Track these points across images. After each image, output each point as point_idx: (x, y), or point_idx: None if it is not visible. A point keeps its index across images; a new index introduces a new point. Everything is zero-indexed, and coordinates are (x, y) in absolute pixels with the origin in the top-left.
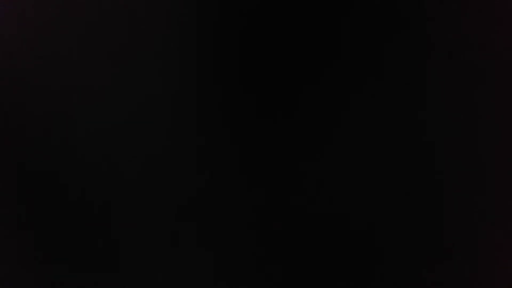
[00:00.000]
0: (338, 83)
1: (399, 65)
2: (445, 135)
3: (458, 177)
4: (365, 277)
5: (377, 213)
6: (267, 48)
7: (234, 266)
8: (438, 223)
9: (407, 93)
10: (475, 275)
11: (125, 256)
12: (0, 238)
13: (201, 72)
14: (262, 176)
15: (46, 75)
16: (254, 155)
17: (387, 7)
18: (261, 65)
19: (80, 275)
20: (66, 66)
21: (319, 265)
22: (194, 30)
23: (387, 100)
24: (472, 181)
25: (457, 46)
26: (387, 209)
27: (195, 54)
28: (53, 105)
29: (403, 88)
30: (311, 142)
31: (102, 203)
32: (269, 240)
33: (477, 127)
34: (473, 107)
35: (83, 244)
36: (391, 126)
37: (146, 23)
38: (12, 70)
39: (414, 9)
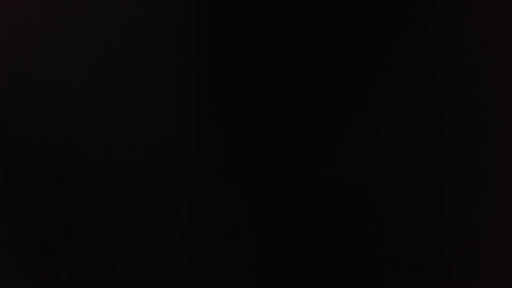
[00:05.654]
0: (340, 82)
1: (400, 65)
2: (446, 135)
3: (458, 177)
4: (365, 277)
5: (377, 213)
6: (270, 45)
7: (233, 265)
8: (439, 223)
9: (408, 92)
10: (475, 275)
11: (123, 252)
12: (0, 234)
13: (202, 69)
14: (262, 175)
15: (47, 74)
16: (254, 154)
17: (387, 7)
18: (263, 64)
19: (80, 268)
20: (66, 65)
21: (317, 264)
22: (195, 29)
23: (388, 101)
24: (473, 181)
25: (457, 46)
26: (387, 210)
27: (196, 52)
28: (54, 103)
29: (404, 88)
30: (312, 141)
31: (101, 198)
32: (267, 239)
33: (478, 127)
34: (474, 106)
35: (82, 238)
36: (392, 127)
37: (146, 21)
38: (12, 70)
39: (415, 10)
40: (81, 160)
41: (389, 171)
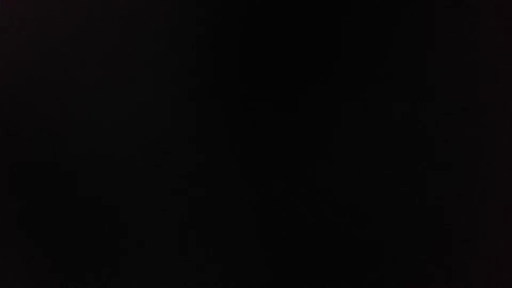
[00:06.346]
0: (340, 82)
1: (401, 64)
2: (446, 135)
3: (459, 177)
4: (364, 278)
5: (377, 213)
6: (272, 45)
7: (234, 264)
8: (439, 224)
9: (409, 93)
10: (474, 275)
11: (124, 253)
12: (1, 234)
13: (203, 69)
14: (263, 174)
15: (47, 74)
16: (256, 153)
17: (389, 7)
18: (265, 63)
19: (82, 269)
20: (66, 65)
21: (318, 264)
22: (197, 28)
23: (389, 102)
24: (472, 181)
25: (458, 47)
26: (387, 210)
27: (198, 50)
28: (54, 103)
29: (404, 89)
30: (312, 142)
31: (103, 198)
32: (269, 238)
33: (478, 127)
34: (474, 106)
35: (83, 239)
36: (392, 127)
37: (147, 20)
38: (12, 70)
39: (416, 10)
40: (83, 160)
41: (390, 171)
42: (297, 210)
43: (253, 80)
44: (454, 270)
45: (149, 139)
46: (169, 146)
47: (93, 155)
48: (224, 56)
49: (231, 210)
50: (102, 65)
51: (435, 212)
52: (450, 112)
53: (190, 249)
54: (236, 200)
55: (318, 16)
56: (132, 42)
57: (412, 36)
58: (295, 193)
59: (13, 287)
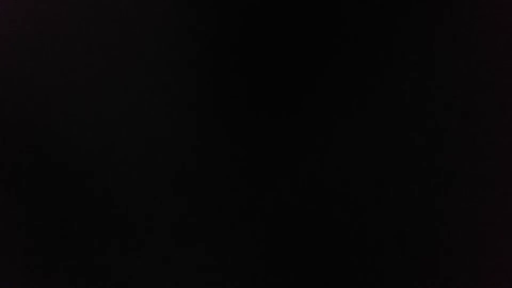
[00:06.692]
0: (339, 83)
1: (400, 64)
2: (447, 134)
3: (459, 176)
4: (363, 278)
5: (376, 213)
6: (273, 44)
7: (232, 265)
8: (438, 223)
9: (408, 93)
10: (475, 275)
11: (122, 252)
12: (4, 235)
13: (202, 69)
14: (262, 175)
15: (47, 74)
16: (255, 154)
17: (389, 6)
18: (263, 63)
19: (81, 268)
20: (66, 65)
21: (317, 264)
22: (195, 28)
23: (388, 100)
24: (473, 181)
25: (458, 46)
26: (387, 209)
27: (197, 51)
28: (54, 104)
29: (403, 89)
30: (310, 141)
31: (102, 198)
32: (267, 239)
33: (478, 127)
34: (473, 105)
35: (83, 238)
36: (392, 126)
37: (146, 20)
38: (12, 70)
39: (416, 9)
40: (82, 160)
41: (389, 171)
42: (298, 210)
43: (254, 80)
44: (454, 270)
45: (148, 140)
46: (169, 146)
47: (92, 155)
48: (224, 55)
49: (232, 210)
50: (102, 64)
51: (436, 212)
52: (450, 111)
53: (190, 249)
54: (237, 200)
55: (320, 16)
56: (132, 42)
57: (411, 36)
58: (296, 192)
59: (13, 287)
